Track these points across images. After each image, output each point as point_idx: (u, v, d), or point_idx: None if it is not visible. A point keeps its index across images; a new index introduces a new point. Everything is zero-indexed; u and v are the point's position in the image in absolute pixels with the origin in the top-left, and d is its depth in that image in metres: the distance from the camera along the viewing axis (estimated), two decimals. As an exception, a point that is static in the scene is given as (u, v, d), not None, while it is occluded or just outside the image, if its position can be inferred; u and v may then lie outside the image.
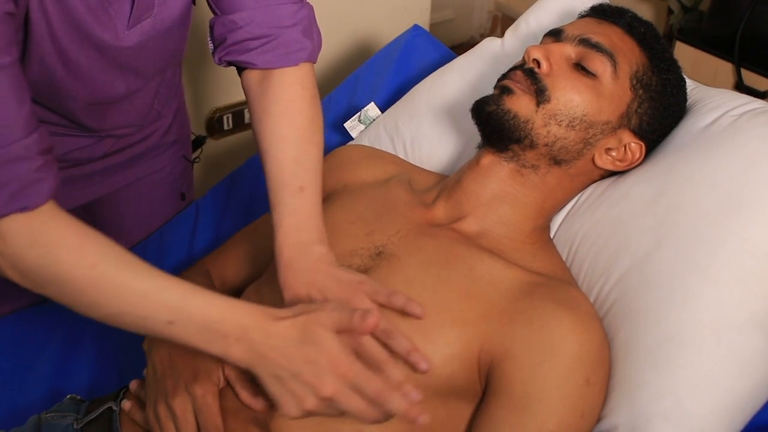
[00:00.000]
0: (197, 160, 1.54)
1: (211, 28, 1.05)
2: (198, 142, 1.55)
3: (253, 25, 1.01)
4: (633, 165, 1.04)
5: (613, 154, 1.03)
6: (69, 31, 0.96)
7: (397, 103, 1.37)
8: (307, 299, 0.91)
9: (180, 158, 1.42)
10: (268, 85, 1.03)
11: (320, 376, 0.78)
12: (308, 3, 1.06)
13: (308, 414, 0.80)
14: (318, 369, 0.78)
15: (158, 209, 1.44)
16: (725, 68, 2.00)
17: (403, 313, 0.89)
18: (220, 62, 1.06)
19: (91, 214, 1.35)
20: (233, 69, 1.09)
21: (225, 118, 1.93)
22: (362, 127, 1.39)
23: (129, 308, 0.82)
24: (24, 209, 0.81)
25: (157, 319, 0.81)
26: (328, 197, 1.15)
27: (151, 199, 1.40)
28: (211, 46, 1.07)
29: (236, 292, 1.15)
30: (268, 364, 0.80)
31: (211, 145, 1.92)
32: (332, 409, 0.80)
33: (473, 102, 1.04)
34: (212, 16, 1.06)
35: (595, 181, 1.08)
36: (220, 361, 0.85)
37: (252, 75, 1.05)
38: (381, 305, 0.89)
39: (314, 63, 1.07)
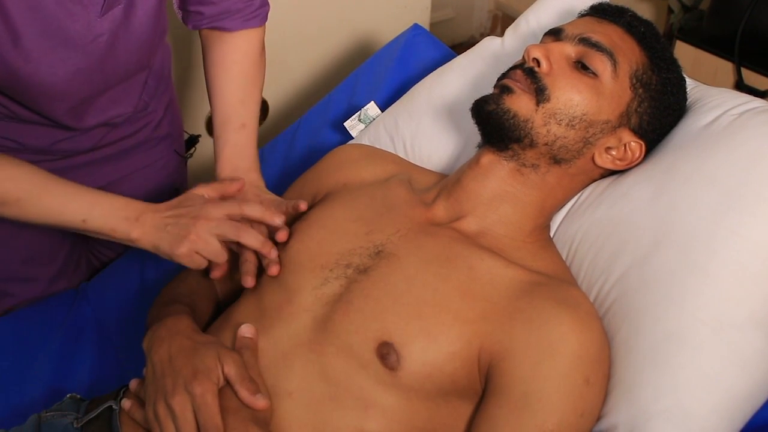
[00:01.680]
0: (189, 155, 1.54)
1: (183, 1, 1.22)
2: (191, 141, 1.55)
3: (227, 2, 1.19)
4: (633, 164, 1.04)
5: (613, 153, 1.03)
6: (40, 36, 1.00)
7: (397, 102, 1.37)
8: None
9: (172, 153, 1.43)
10: (228, 37, 1.22)
11: (197, 212, 1.03)
12: None
13: (190, 244, 1.01)
14: (194, 209, 1.03)
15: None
16: (725, 67, 2.00)
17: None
18: (194, 28, 1.23)
19: None
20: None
21: (224, 117, 1.93)
22: (362, 126, 1.39)
23: (52, 219, 1.05)
24: None
25: (74, 220, 1.05)
26: (328, 196, 1.15)
27: (144, 193, 1.41)
28: (179, 14, 1.24)
29: (235, 290, 1.15)
30: (161, 231, 1.03)
31: (209, 145, 1.92)
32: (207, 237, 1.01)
33: (473, 101, 1.04)
34: None
35: (595, 180, 1.08)
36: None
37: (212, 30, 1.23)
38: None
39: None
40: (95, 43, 1.07)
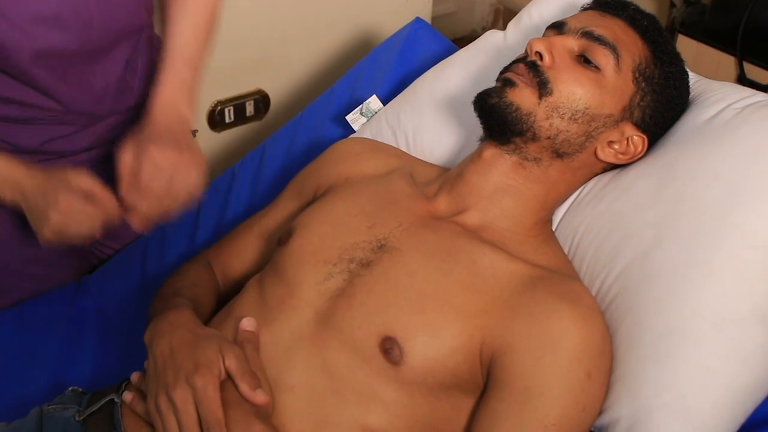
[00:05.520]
0: None
1: None
2: None
3: None
4: (635, 158, 1.04)
5: (616, 147, 1.03)
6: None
7: (399, 95, 1.37)
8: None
9: None
10: None
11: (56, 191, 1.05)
12: None
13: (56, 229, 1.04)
14: (54, 192, 1.04)
15: None
16: (728, 61, 2.00)
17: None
18: None
19: None
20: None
21: (226, 110, 1.92)
22: (364, 119, 1.39)
23: None
24: None
25: None
26: (329, 190, 1.15)
27: None
28: None
29: (238, 284, 1.15)
30: (30, 201, 1.08)
31: (213, 138, 1.92)
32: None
33: (475, 95, 1.04)
34: None
35: (597, 174, 1.08)
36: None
37: None
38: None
39: None
40: (75, 17, 1.08)
